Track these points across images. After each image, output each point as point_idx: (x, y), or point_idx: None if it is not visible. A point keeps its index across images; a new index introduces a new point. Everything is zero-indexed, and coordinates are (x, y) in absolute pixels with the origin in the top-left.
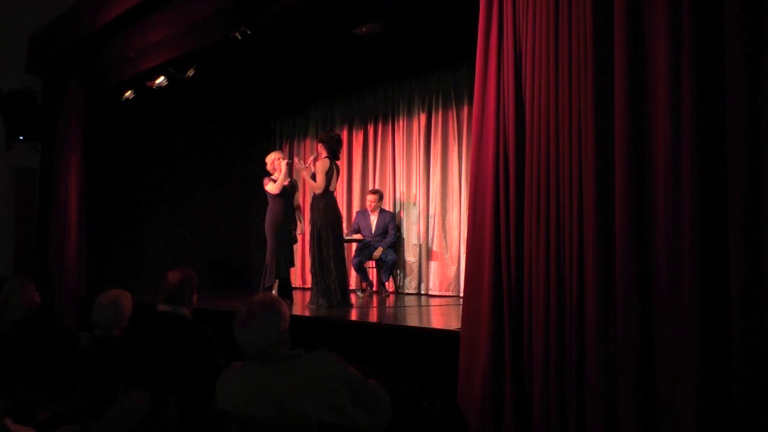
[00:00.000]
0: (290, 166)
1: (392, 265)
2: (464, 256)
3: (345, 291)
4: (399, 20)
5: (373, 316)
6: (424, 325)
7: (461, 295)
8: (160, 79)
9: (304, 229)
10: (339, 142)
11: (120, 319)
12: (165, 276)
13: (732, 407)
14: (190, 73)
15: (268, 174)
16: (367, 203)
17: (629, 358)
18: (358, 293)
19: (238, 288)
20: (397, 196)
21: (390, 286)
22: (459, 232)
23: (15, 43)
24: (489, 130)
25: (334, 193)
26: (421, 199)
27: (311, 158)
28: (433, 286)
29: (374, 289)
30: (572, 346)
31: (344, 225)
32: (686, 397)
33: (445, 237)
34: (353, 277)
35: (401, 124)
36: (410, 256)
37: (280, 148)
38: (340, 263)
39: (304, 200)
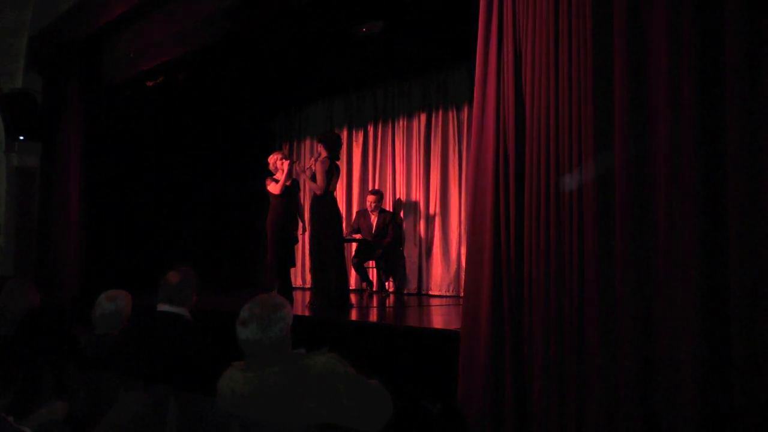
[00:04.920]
0: (291, 167)
1: (392, 265)
2: (464, 256)
3: (345, 291)
4: (399, 20)
5: (373, 316)
6: (424, 325)
7: (461, 295)
8: (160, 79)
9: (306, 228)
10: (339, 142)
11: (120, 319)
12: (165, 276)
13: (732, 408)
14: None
15: (270, 174)
16: (367, 203)
17: (630, 357)
18: (358, 293)
19: (239, 288)
20: (397, 196)
21: (390, 286)
22: (459, 232)
23: (15, 43)
24: (489, 130)
25: (334, 194)
26: (421, 199)
27: (312, 159)
28: (433, 286)
29: (374, 289)
30: (572, 345)
31: (344, 225)
32: (687, 399)
33: (445, 237)
34: (353, 277)
35: (401, 125)
36: (410, 257)
37: (281, 148)
38: (340, 263)
39: (305, 200)
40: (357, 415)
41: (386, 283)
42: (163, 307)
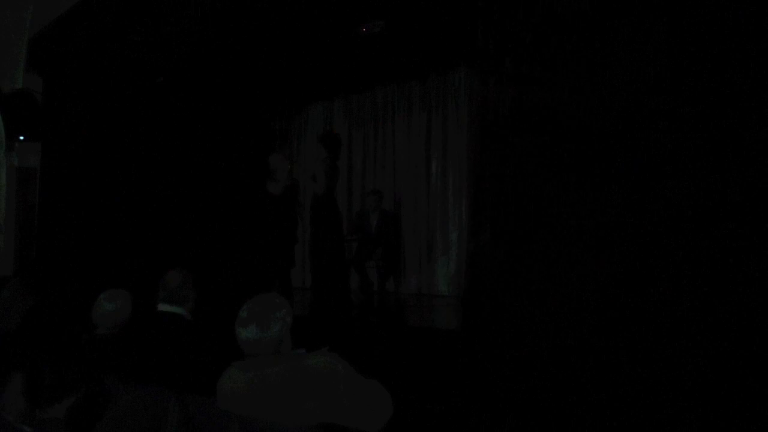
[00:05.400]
0: (291, 167)
1: (392, 265)
2: (464, 255)
3: (345, 291)
4: (399, 20)
5: (373, 316)
6: (425, 325)
7: (461, 294)
8: (160, 79)
9: (306, 228)
10: (339, 141)
11: (120, 318)
12: (165, 276)
13: None
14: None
15: (270, 174)
16: (367, 203)
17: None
18: (358, 293)
19: (239, 288)
20: (398, 196)
21: (390, 286)
22: (459, 231)
23: (15, 43)
24: (489, 129)
25: (334, 194)
26: (421, 199)
27: (312, 159)
28: (433, 285)
29: (374, 289)
30: (572, 341)
31: (344, 225)
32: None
33: (445, 237)
34: (353, 277)
35: (401, 124)
36: (410, 256)
37: (281, 149)
38: (340, 263)
39: (305, 201)
40: (357, 415)
41: (386, 283)
42: (162, 307)
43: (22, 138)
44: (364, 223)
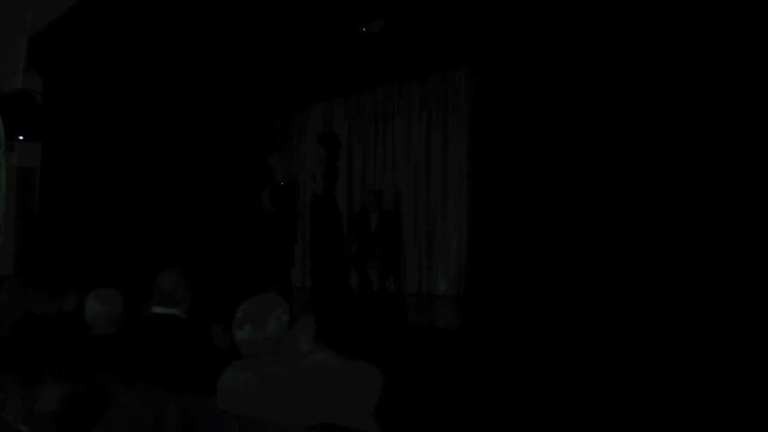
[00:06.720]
0: (291, 167)
1: (392, 265)
2: (464, 255)
3: (345, 291)
4: (399, 20)
5: (373, 316)
6: (425, 325)
7: (461, 294)
8: (162, 80)
9: (307, 228)
10: (338, 141)
11: (112, 317)
12: (159, 277)
13: None
14: None
15: (270, 174)
16: (367, 203)
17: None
18: (358, 293)
19: (239, 289)
20: (398, 195)
21: (390, 285)
22: (459, 231)
23: (15, 43)
24: (488, 128)
25: (334, 193)
26: (421, 199)
27: (312, 160)
28: (434, 285)
29: (374, 289)
30: (571, 344)
31: (344, 225)
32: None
33: (445, 237)
34: (353, 277)
35: (401, 124)
36: (410, 256)
37: (281, 149)
38: (340, 263)
39: (305, 200)
40: (355, 410)
41: (386, 283)
42: (157, 310)
43: (22, 138)
44: (364, 223)
